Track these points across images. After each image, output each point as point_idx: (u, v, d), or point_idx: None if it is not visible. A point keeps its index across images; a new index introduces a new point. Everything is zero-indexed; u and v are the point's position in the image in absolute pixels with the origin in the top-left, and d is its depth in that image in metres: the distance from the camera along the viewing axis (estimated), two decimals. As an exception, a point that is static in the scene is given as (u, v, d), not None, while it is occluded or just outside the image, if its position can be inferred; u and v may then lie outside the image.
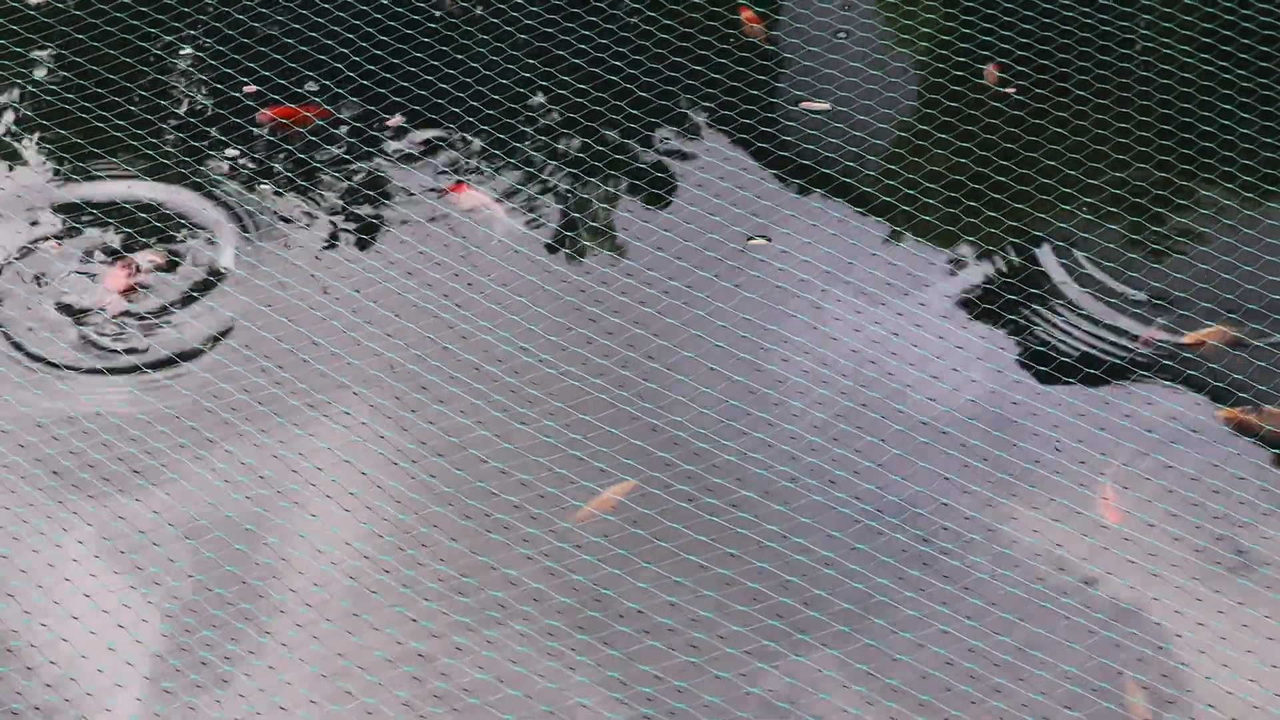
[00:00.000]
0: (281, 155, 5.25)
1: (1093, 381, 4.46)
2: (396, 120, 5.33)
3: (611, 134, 5.25)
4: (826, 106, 5.36)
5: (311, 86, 5.44)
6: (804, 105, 5.38)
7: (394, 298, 4.75)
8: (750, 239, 4.87)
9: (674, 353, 4.54)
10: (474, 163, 5.18)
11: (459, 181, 5.12)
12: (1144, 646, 3.89)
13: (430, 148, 5.24)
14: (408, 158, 5.20)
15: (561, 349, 4.56)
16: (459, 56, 5.51)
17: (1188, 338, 4.54)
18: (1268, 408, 4.40)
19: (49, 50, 5.67)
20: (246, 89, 5.47)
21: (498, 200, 5.05)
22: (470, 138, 5.26)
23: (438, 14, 5.70)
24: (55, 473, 4.37)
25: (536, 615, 4.00)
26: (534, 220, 4.99)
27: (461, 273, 4.80)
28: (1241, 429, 4.35)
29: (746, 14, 5.71)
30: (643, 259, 4.83)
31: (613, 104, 5.31)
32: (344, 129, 5.31)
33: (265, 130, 5.33)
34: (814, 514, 4.16)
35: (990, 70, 5.39)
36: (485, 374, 4.50)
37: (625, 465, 4.27)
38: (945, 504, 4.18)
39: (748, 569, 4.05)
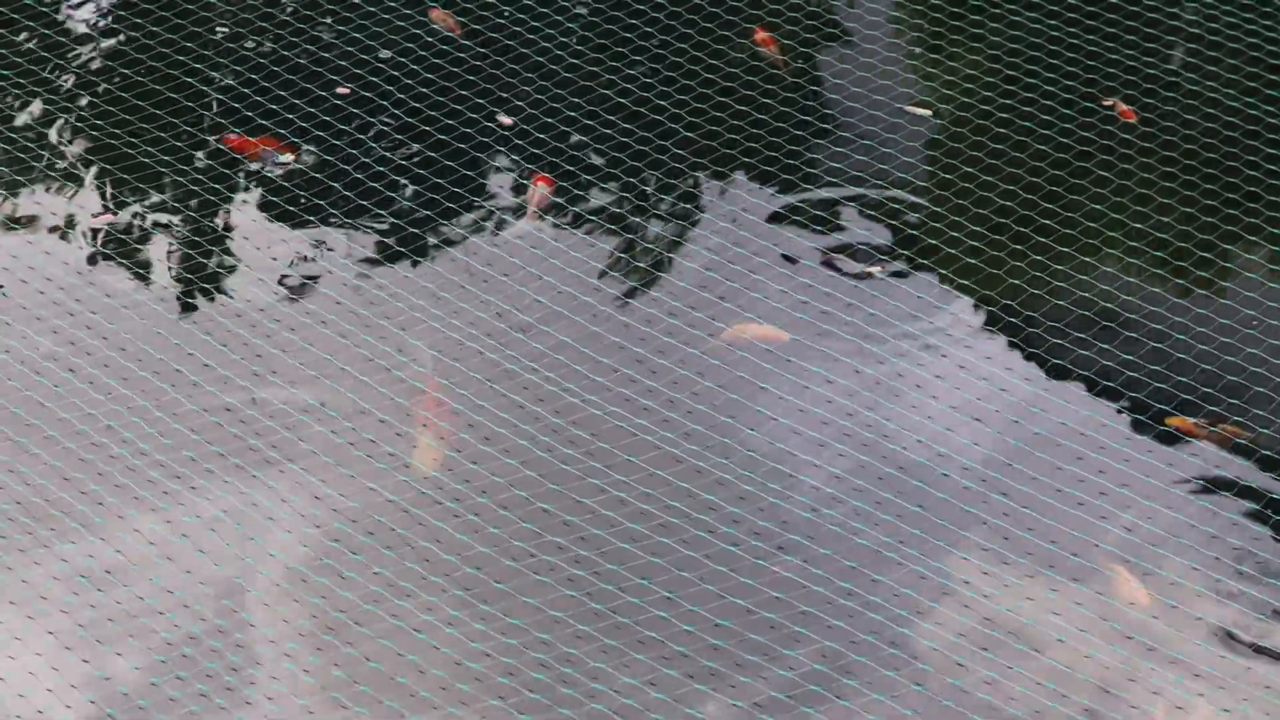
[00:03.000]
0: (320, 187, 5.27)
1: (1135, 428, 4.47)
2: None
3: (657, 173, 5.26)
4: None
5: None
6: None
7: (438, 335, 4.75)
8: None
9: (719, 394, 4.54)
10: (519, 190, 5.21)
11: (539, 173, 5.14)
12: None
13: (472, 186, 5.26)
14: (455, 196, 5.22)
15: (607, 390, 4.56)
16: (503, 95, 5.53)
17: None
18: (1223, 425, 4.39)
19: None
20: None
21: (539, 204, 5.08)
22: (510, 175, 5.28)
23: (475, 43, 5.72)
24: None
25: (581, 658, 3.99)
26: (581, 260, 4.99)
27: (505, 312, 4.80)
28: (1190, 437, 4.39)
29: (760, 35, 5.69)
30: (687, 299, 4.83)
31: (658, 142, 5.32)
32: (386, 165, 5.33)
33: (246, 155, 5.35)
34: (860, 558, 4.15)
35: (1121, 107, 5.33)
36: (530, 414, 4.50)
37: (670, 507, 4.26)
38: (988, 548, 4.17)
39: (793, 613, 4.04)
